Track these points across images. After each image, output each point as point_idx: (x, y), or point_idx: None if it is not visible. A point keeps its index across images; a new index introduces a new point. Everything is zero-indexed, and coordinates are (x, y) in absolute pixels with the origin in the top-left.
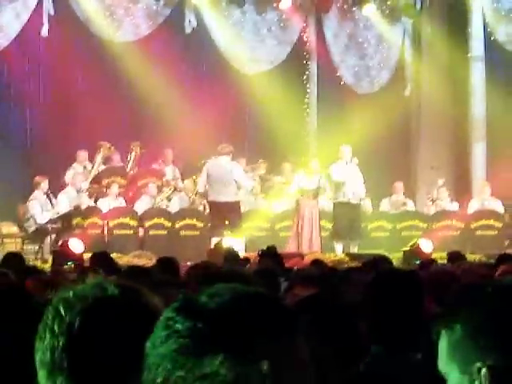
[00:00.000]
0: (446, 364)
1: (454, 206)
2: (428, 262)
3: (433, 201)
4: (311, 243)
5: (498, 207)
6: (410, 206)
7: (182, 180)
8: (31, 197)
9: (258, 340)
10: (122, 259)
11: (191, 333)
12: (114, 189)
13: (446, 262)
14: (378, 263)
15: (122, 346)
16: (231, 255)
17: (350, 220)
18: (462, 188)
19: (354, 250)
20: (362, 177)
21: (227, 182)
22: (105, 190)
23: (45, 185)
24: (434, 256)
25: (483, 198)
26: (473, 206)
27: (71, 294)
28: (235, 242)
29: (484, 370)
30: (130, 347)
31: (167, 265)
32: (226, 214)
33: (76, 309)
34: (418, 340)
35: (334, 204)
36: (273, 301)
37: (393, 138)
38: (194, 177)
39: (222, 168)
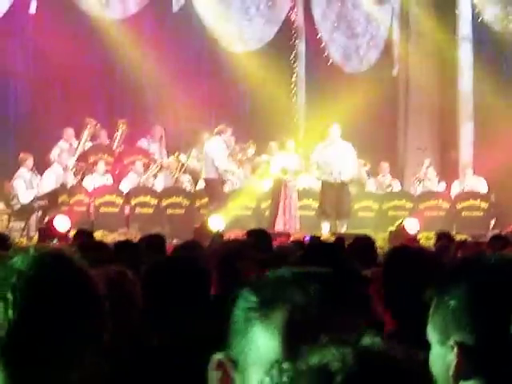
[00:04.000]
0: (429, 331)
1: (441, 187)
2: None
3: (420, 181)
4: (294, 222)
5: (481, 186)
6: (396, 187)
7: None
8: (16, 174)
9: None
10: (108, 237)
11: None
12: (101, 166)
13: (432, 241)
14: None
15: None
16: (217, 236)
17: (337, 199)
18: (449, 168)
19: (342, 229)
20: (355, 156)
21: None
22: (91, 167)
23: (30, 162)
24: (419, 236)
25: (465, 180)
26: (455, 188)
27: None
28: (219, 220)
29: (456, 347)
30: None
31: (152, 242)
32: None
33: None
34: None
35: (322, 183)
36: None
37: (380, 118)
38: (177, 153)
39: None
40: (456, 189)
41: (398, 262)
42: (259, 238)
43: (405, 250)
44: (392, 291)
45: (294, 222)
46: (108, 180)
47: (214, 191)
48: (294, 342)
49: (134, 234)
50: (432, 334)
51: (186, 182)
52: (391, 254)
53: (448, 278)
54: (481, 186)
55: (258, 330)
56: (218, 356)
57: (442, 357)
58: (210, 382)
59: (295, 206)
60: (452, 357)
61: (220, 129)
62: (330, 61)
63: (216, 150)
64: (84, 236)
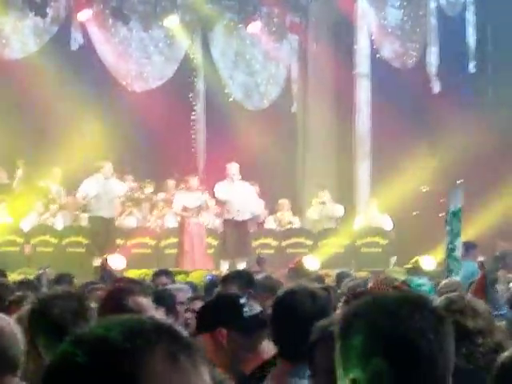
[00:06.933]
0: (337, 367)
1: (339, 210)
2: (317, 280)
3: (322, 203)
4: (202, 260)
5: (387, 223)
6: (296, 223)
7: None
8: None
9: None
10: (9, 276)
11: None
12: None
13: (332, 279)
14: None
15: None
16: (107, 273)
17: (237, 237)
18: (347, 204)
19: (241, 267)
20: (254, 193)
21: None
22: None
23: None
24: (319, 273)
25: (371, 215)
26: (360, 223)
27: None
28: (119, 259)
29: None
30: None
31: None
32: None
33: None
34: None
35: (224, 221)
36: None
37: (280, 155)
38: (74, 193)
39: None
40: (360, 224)
41: (286, 305)
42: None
43: (293, 292)
44: (281, 332)
45: (200, 260)
46: (6, 219)
47: (93, 230)
48: None
49: (35, 274)
50: (337, 370)
51: (84, 220)
52: (280, 298)
53: (347, 319)
54: (386, 221)
55: None
56: None
57: None
58: None
59: (201, 243)
60: None
61: (96, 166)
62: (231, 98)
63: (83, 186)
64: None
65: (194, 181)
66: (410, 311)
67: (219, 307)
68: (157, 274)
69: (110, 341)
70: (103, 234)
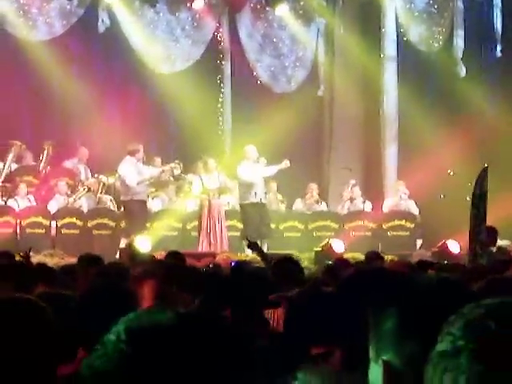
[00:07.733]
0: (370, 347)
1: (367, 206)
2: (343, 262)
3: (351, 199)
4: (222, 243)
5: (413, 207)
6: (323, 207)
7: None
8: None
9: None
10: (34, 258)
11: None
12: (23, 188)
13: (361, 262)
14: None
15: None
16: (135, 255)
17: (260, 219)
18: (374, 188)
19: (264, 249)
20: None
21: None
22: (15, 189)
23: None
24: (346, 256)
25: (399, 197)
26: (388, 205)
27: None
28: (145, 241)
29: (383, 365)
30: None
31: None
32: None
33: None
34: None
35: (242, 204)
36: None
37: (306, 138)
38: (96, 174)
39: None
40: (388, 207)
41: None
42: (172, 259)
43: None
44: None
45: (220, 243)
46: (30, 201)
47: (132, 213)
48: None
49: (61, 255)
50: (370, 352)
51: (108, 201)
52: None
53: (381, 299)
54: (412, 206)
55: None
56: None
57: (375, 374)
58: None
59: (221, 225)
60: (382, 374)
61: (131, 149)
62: (258, 81)
63: (126, 170)
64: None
65: (211, 162)
66: (447, 295)
67: (220, 289)
68: (167, 257)
69: (163, 328)
70: (139, 217)
